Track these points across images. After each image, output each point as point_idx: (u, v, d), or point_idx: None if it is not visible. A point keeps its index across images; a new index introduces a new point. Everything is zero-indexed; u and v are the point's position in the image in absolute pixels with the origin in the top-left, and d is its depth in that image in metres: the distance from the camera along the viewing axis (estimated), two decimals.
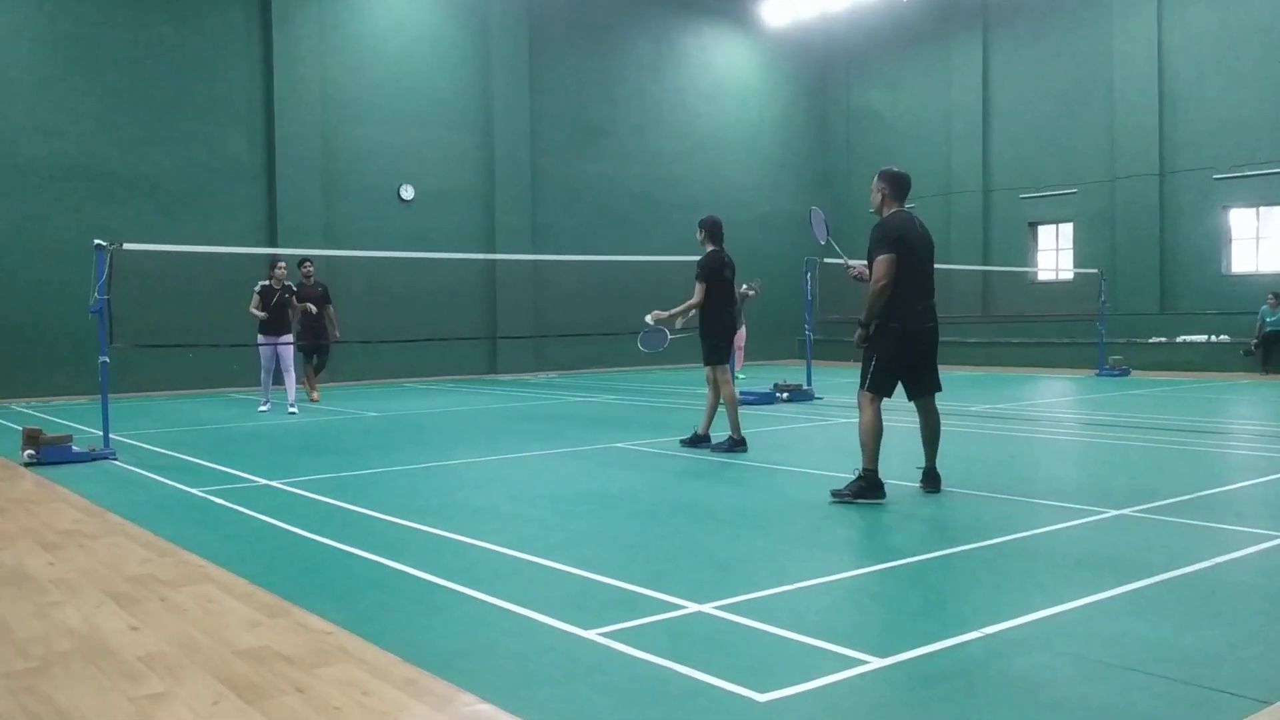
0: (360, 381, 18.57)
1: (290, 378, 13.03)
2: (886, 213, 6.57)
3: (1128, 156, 21.08)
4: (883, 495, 6.31)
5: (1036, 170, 22.76)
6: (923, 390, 6.64)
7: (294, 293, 13.15)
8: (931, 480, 6.71)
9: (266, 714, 3.15)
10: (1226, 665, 3.45)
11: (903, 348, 6.43)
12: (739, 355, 21.25)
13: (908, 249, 6.39)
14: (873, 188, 6.68)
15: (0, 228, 15.83)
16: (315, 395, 14.24)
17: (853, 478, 6.44)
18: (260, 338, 13.02)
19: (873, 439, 6.33)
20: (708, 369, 9.07)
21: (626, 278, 20.05)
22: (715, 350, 9.00)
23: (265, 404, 13.25)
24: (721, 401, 8.98)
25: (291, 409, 12.79)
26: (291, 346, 13.12)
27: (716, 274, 8.94)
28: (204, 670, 3.54)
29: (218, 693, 3.33)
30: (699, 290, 8.87)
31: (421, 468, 8.36)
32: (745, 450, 8.78)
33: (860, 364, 6.58)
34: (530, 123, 21.28)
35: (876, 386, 6.42)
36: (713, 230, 9.09)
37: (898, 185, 6.59)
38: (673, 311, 9.12)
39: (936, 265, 6.75)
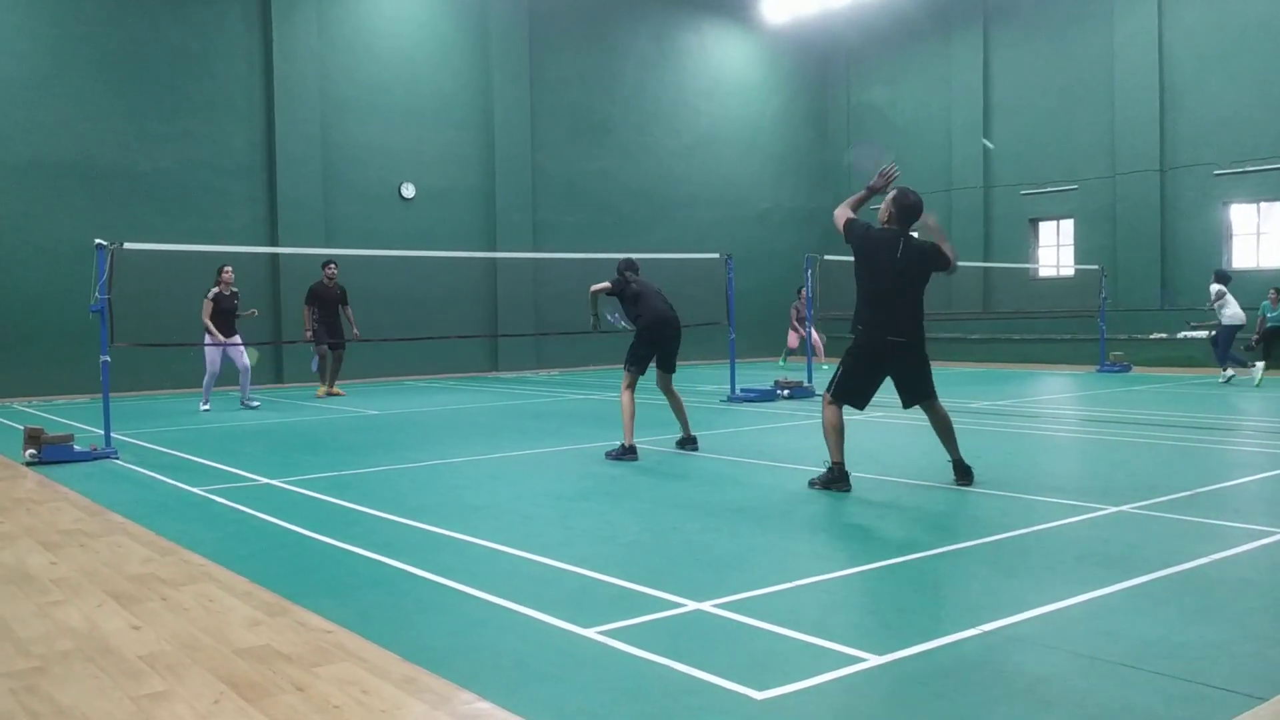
0: (361, 379, 18.57)
1: (247, 376, 13.46)
2: None
3: (1128, 152, 21.06)
4: (847, 487, 6.67)
5: (1037, 166, 22.73)
6: (911, 399, 6.88)
7: (239, 298, 13.40)
8: (962, 473, 6.87)
9: (267, 712, 3.17)
10: (1223, 661, 3.46)
11: (864, 356, 6.74)
12: (816, 351, 20.12)
13: (866, 256, 6.71)
14: (885, 202, 6.84)
15: (0, 227, 15.86)
16: (336, 390, 15.30)
17: (824, 470, 6.88)
18: (210, 340, 13.09)
19: (833, 435, 6.74)
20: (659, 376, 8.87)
21: None
22: (629, 351, 8.69)
23: (206, 404, 13.33)
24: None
25: (254, 403, 13.33)
26: (241, 347, 13.31)
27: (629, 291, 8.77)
28: (205, 669, 3.56)
29: (218, 691, 3.35)
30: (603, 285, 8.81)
31: (422, 466, 8.38)
32: (635, 458, 8.26)
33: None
34: (530, 120, 21.27)
35: (838, 393, 6.78)
36: (628, 266, 8.95)
37: (904, 212, 6.76)
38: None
39: None
